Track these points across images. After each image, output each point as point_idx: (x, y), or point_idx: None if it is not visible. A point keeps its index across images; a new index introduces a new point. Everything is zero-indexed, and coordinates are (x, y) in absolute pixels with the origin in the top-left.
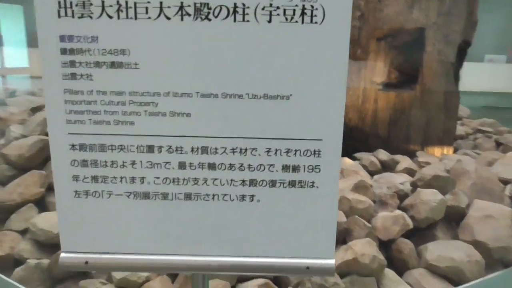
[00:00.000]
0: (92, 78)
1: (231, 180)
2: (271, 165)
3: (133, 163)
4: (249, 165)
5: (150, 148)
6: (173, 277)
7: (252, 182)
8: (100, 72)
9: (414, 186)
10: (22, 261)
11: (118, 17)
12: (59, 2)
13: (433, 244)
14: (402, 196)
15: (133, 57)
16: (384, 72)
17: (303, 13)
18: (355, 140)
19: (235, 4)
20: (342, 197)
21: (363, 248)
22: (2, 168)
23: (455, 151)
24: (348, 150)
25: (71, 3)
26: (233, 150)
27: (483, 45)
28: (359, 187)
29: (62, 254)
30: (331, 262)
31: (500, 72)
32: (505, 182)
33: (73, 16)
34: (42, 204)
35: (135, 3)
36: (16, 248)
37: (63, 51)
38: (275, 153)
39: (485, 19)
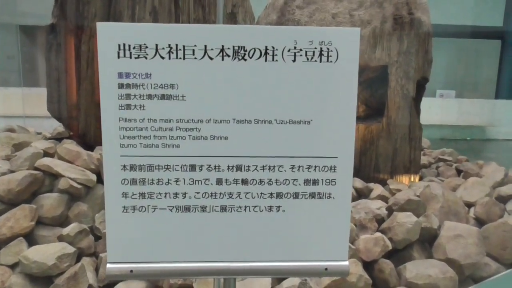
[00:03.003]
0: (144, 108)
1: (261, 193)
2: (294, 179)
3: (176, 180)
4: (276, 180)
5: (192, 167)
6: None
7: (279, 195)
8: (152, 103)
9: (390, 210)
10: None
11: (169, 58)
12: (119, 45)
13: (411, 264)
14: (379, 220)
15: (180, 90)
16: None
17: (321, 54)
18: None
19: (266, 47)
20: None
21: (350, 268)
22: None
23: (421, 179)
24: None
25: (129, 46)
26: (263, 167)
27: (435, 81)
28: None
29: (109, 265)
30: (346, 263)
31: (450, 107)
32: (468, 205)
33: (130, 57)
34: (31, 238)
35: (183, 46)
36: (7, 283)
37: (121, 86)
38: (298, 169)
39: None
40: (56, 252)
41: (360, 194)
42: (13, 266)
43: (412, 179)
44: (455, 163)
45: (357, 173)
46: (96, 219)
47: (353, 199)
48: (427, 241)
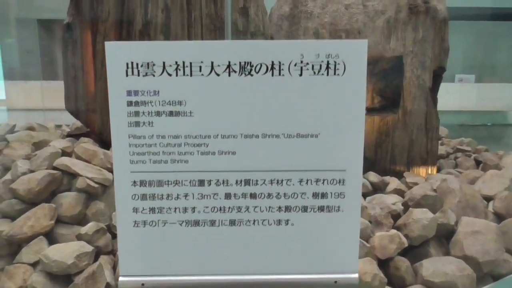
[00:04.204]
0: (153, 125)
1: (270, 207)
2: (303, 193)
3: (186, 195)
4: (285, 193)
5: (201, 182)
6: None
7: (287, 208)
8: (160, 119)
9: (406, 206)
10: None
11: (176, 75)
12: (127, 64)
13: (427, 261)
14: (395, 216)
15: (188, 107)
16: (368, 98)
17: (327, 67)
18: None
19: (272, 62)
20: None
21: (364, 267)
22: (11, 202)
23: (438, 170)
24: None
25: (137, 64)
26: (271, 181)
27: (454, 65)
28: None
29: (121, 278)
30: (356, 276)
31: (470, 91)
32: (487, 198)
33: (138, 75)
34: (51, 236)
35: (190, 63)
36: (28, 281)
37: (129, 103)
38: (306, 182)
39: (453, 42)
40: (75, 251)
41: (376, 188)
42: (34, 265)
43: (429, 171)
44: (474, 153)
45: (373, 165)
46: (113, 217)
47: (369, 194)
48: (444, 237)
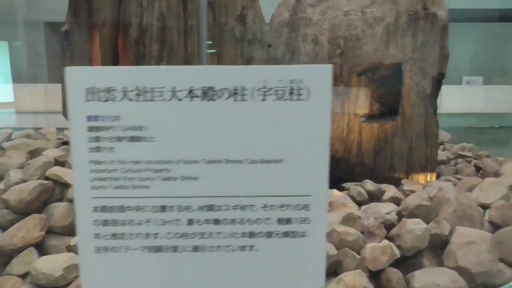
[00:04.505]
0: (114, 150)
1: (233, 233)
2: (267, 218)
3: (147, 221)
4: (249, 219)
5: (163, 208)
6: None
7: (251, 234)
8: (121, 145)
9: (400, 215)
10: None
11: (138, 100)
12: (87, 89)
13: (420, 272)
14: (389, 225)
15: (149, 132)
16: (367, 105)
17: (291, 92)
18: (342, 171)
19: (235, 87)
20: (332, 230)
21: (354, 280)
22: (3, 212)
23: (438, 176)
24: (336, 180)
25: (97, 89)
26: (235, 207)
27: (461, 67)
28: (348, 219)
29: None
30: None
31: (477, 94)
32: (484, 207)
33: (99, 100)
34: (42, 247)
35: (151, 88)
36: None
37: (90, 129)
38: (271, 208)
39: (461, 45)
40: (64, 263)
41: (372, 197)
42: (23, 276)
43: (428, 178)
44: (475, 159)
45: (372, 172)
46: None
47: (365, 202)
48: (439, 247)
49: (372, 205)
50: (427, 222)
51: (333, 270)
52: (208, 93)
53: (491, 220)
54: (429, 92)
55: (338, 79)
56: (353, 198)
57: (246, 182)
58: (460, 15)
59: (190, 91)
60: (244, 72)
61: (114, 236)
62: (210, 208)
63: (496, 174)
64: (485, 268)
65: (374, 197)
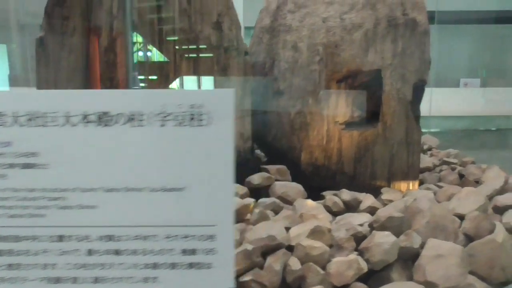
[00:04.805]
0: (7, 178)
1: (135, 264)
2: (171, 249)
3: (45, 251)
4: (151, 250)
5: (60, 238)
6: None
7: (155, 265)
8: (14, 172)
9: (372, 228)
10: None
11: (29, 125)
12: None
13: (387, 287)
14: (360, 238)
15: (43, 159)
16: (346, 112)
17: (192, 118)
18: (322, 178)
19: (131, 112)
20: (297, 244)
21: None
22: None
23: (422, 184)
24: (316, 188)
25: None
26: (136, 237)
27: (458, 69)
28: (315, 232)
29: None
30: None
31: (475, 96)
32: (461, 217)
33: None
34: None
35: (44, 113)
36: None
37: None
38: (174, 239)
39: (458, 46)
40: None
41: (348, 207)
42: None
43: (411, 186)
44: (459, 166)
45: (353, 180)
46: None
47: (341, 213)
48: (411, 260)
49: (347, 215)
50: (398, 235)
51: (297, 285)
52: (103, 118)
53: (464, 232)
54: (410, 98)
55: (318, 86)
56: (328, 208)
57: (147, 211)
58: (457, 17)
59: (85, 116)
60: (141, 96)
61: (10, 266)
62: (110, 238)
63: (478, 182)
64: (452, 283)
65: (350, 207)
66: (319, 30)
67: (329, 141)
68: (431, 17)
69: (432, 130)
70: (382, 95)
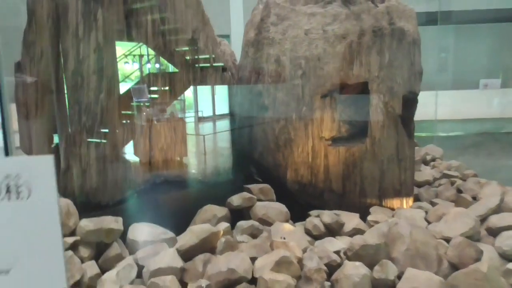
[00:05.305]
0: None
1: None
2: None
3: None
4: None
5: None
6: None
7: None
8: None
9: (347, 256)
10: None
11: None
12: None
13: None
14: (335, 267)
15: None
16: (333, 127)
17: (8, 191)
18: (310, 197)
19: None
20: (259, 277)
21: None
22: None
23: (417, 200)
24: (304, 206)
25: None
26: None
27: (478, 70)
28: (282, 264)
29: None
30: None
31: (495, 97)
32: (448, 240)
33: None
34: None
35: None
36: None
37: None
38: None
39: (476, 47)
40: None
41: (329, 230)
42: None
43: (404, 203)
44: (460, 179)
45: (342, 198)
46: None
47: (321, 236)
48: None
49: (326, 240)
50: (374, 264)
51: None
52: None
53: (448, 260)
54: (399, 112)
55: (300, 102)
56: (308, 231)
57: None
58: (475, 16)
59: None
60: None
61: None
62: None
63: (475, 199)
64: None
65: (332, 230)
66: (301, 43)
67: (315, 157)
68: (447, 17)
69: (451, 134)
70: (370, 109)
